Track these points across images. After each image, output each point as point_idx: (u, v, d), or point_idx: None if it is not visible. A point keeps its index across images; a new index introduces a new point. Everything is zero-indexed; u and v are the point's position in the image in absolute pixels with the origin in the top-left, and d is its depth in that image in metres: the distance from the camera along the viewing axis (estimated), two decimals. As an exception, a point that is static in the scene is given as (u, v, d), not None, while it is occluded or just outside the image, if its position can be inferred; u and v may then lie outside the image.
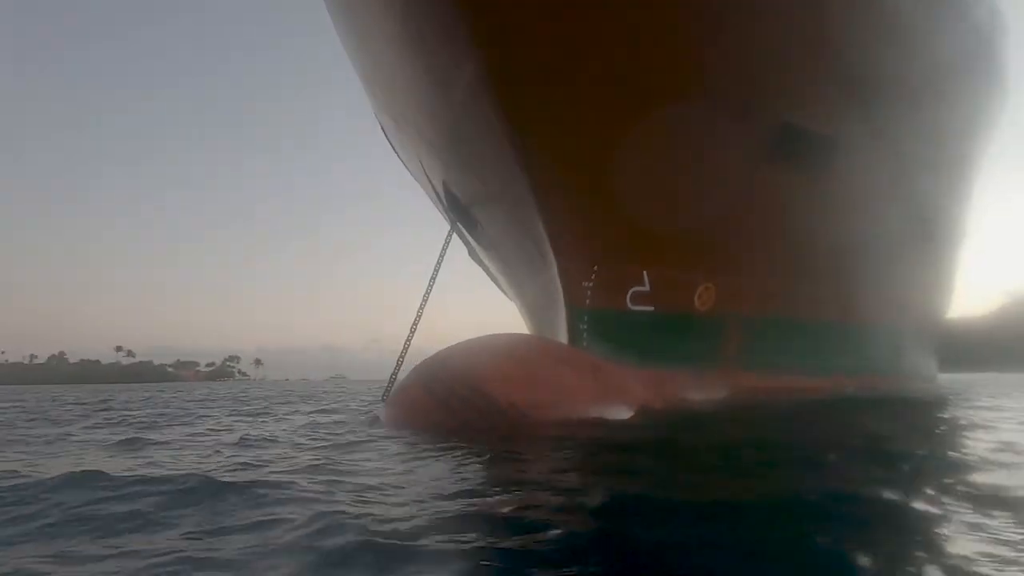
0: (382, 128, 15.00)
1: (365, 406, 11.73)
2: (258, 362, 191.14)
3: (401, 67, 8.94)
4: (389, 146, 15.63)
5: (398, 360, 10.85)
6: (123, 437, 6.24)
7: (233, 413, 11.30)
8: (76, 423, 9.36)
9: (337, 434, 5.80)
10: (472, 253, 16.32)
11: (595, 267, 8.90)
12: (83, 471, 3.73)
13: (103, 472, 3.72)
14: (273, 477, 3.62)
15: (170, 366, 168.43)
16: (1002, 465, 3.85)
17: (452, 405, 5.25)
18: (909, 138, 11.62)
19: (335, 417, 9.04)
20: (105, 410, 13.02)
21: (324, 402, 14.54)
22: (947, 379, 20.26)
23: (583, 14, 7.29)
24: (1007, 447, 4.55)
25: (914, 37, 10.02)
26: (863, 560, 2.14)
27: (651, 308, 9.47)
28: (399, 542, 2.28)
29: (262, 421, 8.82)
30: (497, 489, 3.22)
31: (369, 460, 4.28)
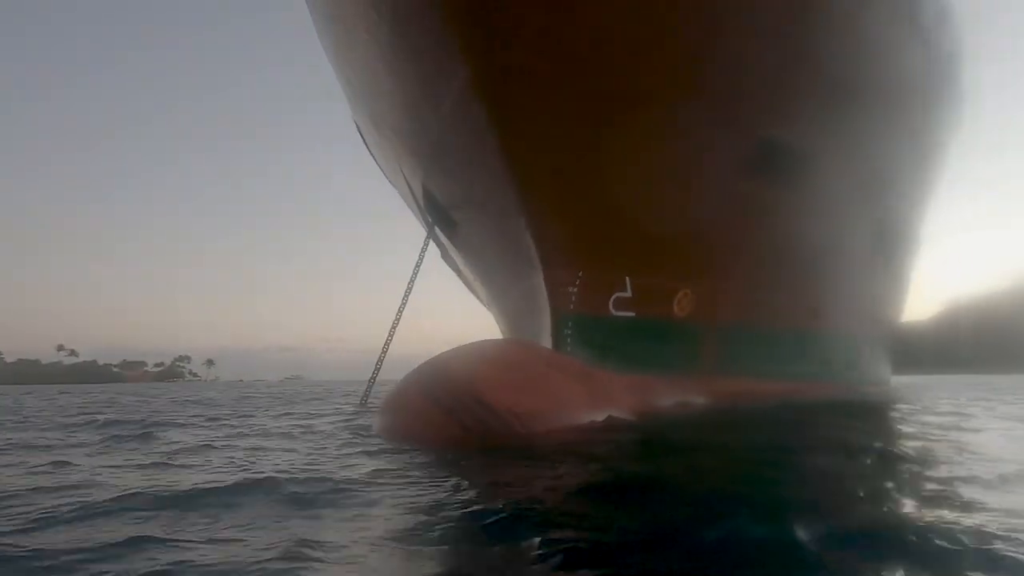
0: (357, 128, 14.76)
1: (340, 414, 11.42)
2: (210, 362, 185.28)
3: (387, 72, 8.81)
4: (364, 146, 15.41)
5: (376, 365, 10.71)
6: None
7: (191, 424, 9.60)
8: None
9: (345, 453, 5.15)
10: (446, 255, 16.21)
11: (580, 272, 8.95)
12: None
13: None
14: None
15: (116, 366, 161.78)
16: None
17: (460, 415, 5.17)
18: (874, 153, 12.11)
19: (320, 423, 8.77)
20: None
21: (294, 406, 14.10)
22: (897, 382, 21.24)
23: (573, 26, 7.34)
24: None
25: (883, 57, 10.44)
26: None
27: (633, 314, 9.59)
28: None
29: (239, 434, 8.20)
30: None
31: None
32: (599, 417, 6.26)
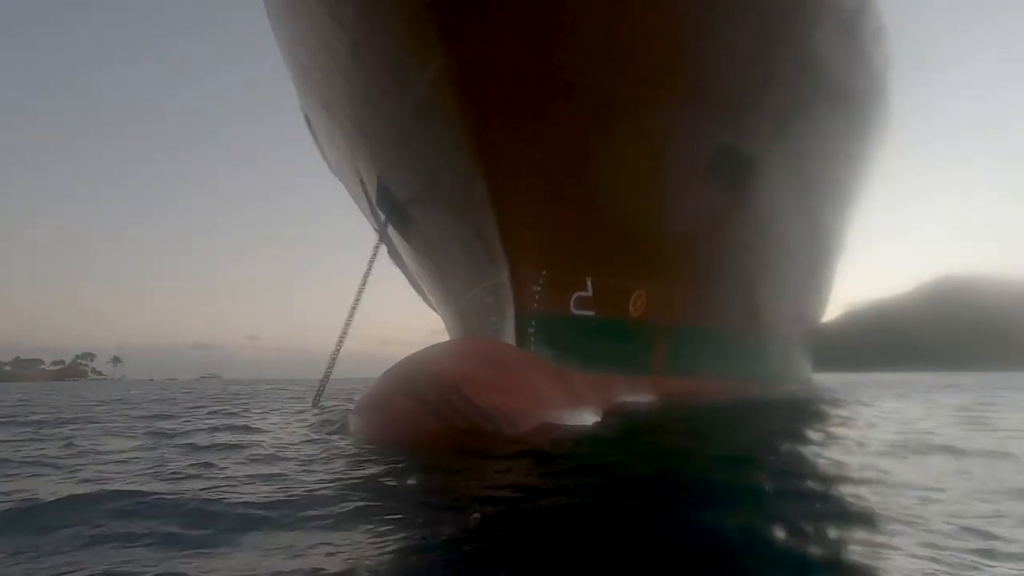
0: (306, 119, 14.24)
1: (297, 415, 10.71)
2: (116, 360, 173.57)
3: (352, 61, 8.50)
4: (311, 139, 14.90)
5: (328, 366, 10.39)
6: None
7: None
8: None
9: (332, 457, 4.70)
10: (393, 253, 15.85)
11: (544, 271, 8.96)
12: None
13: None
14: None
15: (7, 364, 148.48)
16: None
17: (447, 415, 5.02)
18: (811, 160, 12.80)
19: (287, 428, 7.80)
20: None
21: (235, 408, 13.23)
22: (818, 379, 22.64)
23: (552, 22, 7.33)
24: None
25: (827, 71, 11.05)
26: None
27: (592, 313, 9.70)
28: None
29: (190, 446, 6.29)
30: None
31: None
32: (576, 415, 6.27)
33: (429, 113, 8.06)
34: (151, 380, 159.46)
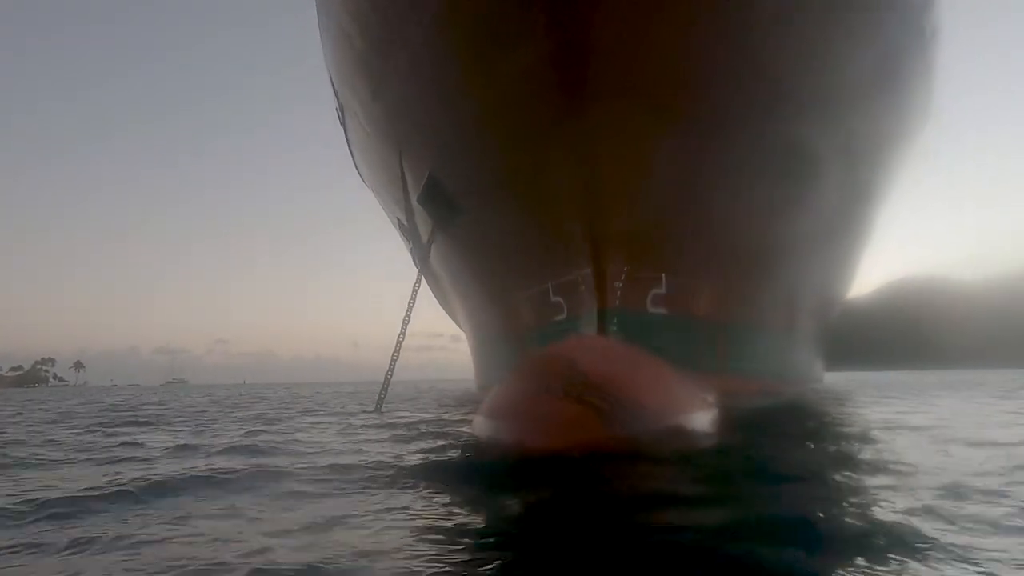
0: (341, 117, 13.82)
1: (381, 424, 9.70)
2: (79, 365, 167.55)
3: (429, 41, 8.08)
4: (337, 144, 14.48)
5: (387, 374, 10.32)
6: None
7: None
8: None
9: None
10: (424, 259, 15.26)
11: (625, 268, 8.64)
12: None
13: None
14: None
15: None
16: None
17: (613, 417, 4.62)
18: (859, 153, 12.64)
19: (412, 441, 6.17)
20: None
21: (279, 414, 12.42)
22: (832, 379, 22.64)
23: (660, 13, 7.09)
24: None
25: (882, 54, 10.83)
26: None
27: (664, 311, 9.42)
28: None
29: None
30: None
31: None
32: (698, 417, 5.95)
33: (518, 97, 7.68)
34: (114, 385, 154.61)
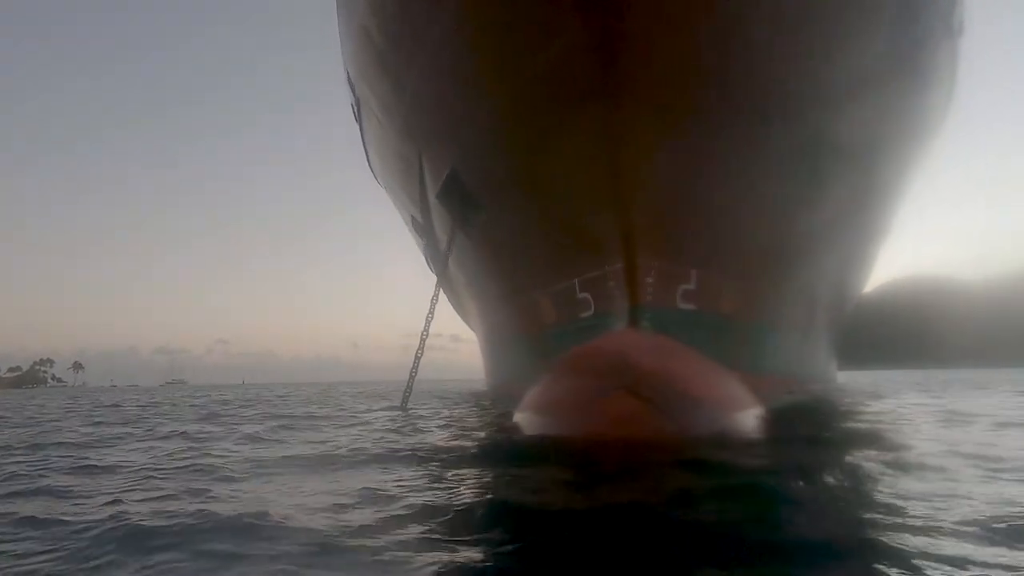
0: (357, 114, 13.64)
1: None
2: (78, 366, 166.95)
3: (457, 30, 7.91)
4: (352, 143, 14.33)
5: (411, 372, 10.32)
6: None
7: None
8: None
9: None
10: (434, 256, 15.11)
11: (656, 263, 8.48)
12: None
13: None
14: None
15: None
16: None
17: (667, 411, 4.47)
18: (881, 148, 12.46)
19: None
20: None
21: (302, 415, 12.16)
22: (844, 378, 22.48)
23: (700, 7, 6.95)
24: None
25: (917, 65, 10.74)
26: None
27: (694, 307, 9.26)
28: None
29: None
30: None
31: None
32: (746, 415, 5.81)
33: (545, 90, 7.53)
34: (114, 386, 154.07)
